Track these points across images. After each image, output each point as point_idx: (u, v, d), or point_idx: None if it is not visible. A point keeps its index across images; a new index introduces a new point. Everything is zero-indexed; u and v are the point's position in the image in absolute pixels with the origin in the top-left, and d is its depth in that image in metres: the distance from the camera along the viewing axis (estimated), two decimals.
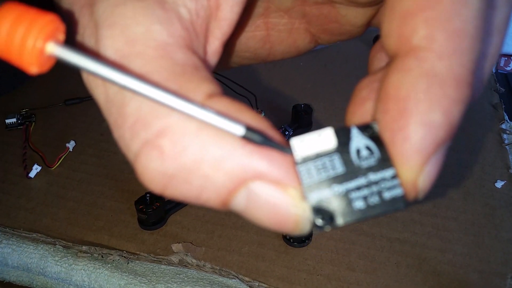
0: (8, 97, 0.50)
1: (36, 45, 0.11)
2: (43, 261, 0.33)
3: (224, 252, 0.34)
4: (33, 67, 0.11)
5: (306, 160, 0.12)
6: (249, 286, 0.32)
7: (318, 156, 0.12)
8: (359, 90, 0.14)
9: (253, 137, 0.11)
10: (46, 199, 0.39)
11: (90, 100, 0.50)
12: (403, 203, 0.12)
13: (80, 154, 0.43)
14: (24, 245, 0.34)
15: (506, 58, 0.54)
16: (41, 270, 0.34)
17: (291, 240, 0.34)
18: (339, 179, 0.12)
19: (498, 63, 0.54)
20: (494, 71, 0.54)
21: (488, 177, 0.40)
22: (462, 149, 0.43)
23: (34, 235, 0.35)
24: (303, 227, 0.12)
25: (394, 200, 0.12)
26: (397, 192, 0.12)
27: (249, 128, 0.11)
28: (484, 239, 0.35)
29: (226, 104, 0.12)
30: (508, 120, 0.46)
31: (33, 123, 0.46)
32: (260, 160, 0.11)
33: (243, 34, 0.20)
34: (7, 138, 0.45)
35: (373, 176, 0.12)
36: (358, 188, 0.12)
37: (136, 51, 0.12)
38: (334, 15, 0.18)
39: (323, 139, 0.12)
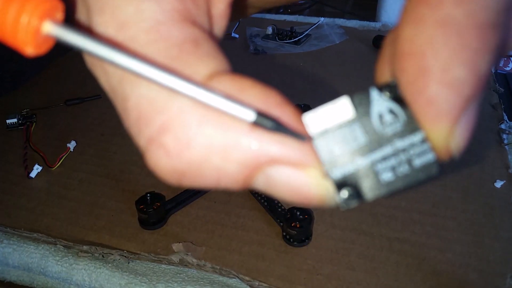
0: (9, 97, 0.50)
1: (31, 22, 0.10)
2: (44, 261, 0.34)
3: (224, 251, 0.34)
4: (29, 47, 0.10)
5: (323, 134, 0.11)
6: (249, 286, 0.32)
7: (337, 128, 0.11)
8: (386, 46, 0.13)
9: (265, 123, 0.10)
10: (47, 199, 0.39)
11: (91, 100, 0.50)
12: (437, 168, 0.11)
13: (81, 154, 0.43)
14: (25, 245, 0.35)
15: (505, 58, 0.54)
16: (42, 270, 0.34)
17: (291, 239, 0.34)
18: (363, 150, 0.11)
19: (497, 63, 0.54)
20: (493, 71, 0.54)
21: (488, 177, 0.40)
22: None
23: (35, 235, 0.35)
24: (329, 204, 0.11)
25: (426, 166, 0.11)
26: (429, 157, 0.11)
27: (260, 114, 0.10)
28: (483, 239, 0.35)
29: (231, 82, 0.11)
30: (507, 120, 0.47)
31: (34, 123, 0.46)
32: (272, 145, 0.11)
33: None
34: (8, 138, 0.45)
35: (400, 143, 0.11)
36: (385, 158, 0.11)
37: (128, 37, 0.11)
38: None
39: (339, 109, 0.11)
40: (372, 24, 0.68)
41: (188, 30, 0.11)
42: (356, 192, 0.11)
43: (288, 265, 0.33)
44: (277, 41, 0.64)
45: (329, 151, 0.11)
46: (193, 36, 0.11)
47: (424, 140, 0.11)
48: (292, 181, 0.11)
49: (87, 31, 0.12)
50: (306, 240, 0.34)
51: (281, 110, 0.11)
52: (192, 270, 0.33)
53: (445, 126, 0.10)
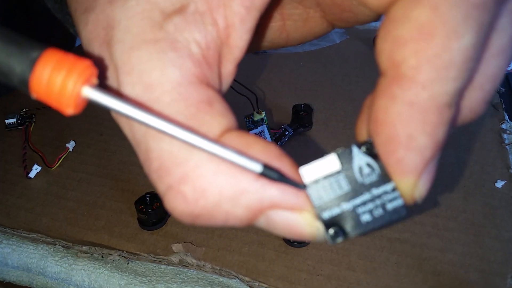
0: (8, 98, 0.50)
1: (75, 89, 0.12)
2: (43, 261, 0.33)
3: (224, 252, 0.34)
4: (70, 109, 0.12)
5: (315, 183, 0.14)
6: (249, 286, 0.32)
7: (326, 178, 0.14)
8: (364, 106, 0.15)
9: (270, 174, 0.13)
10: (46, 199, 0.39)
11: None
12: (405, 211, 0.13)
13: (80, 154, 0.43)
14: (24, 245, 0.34)
15: None
16: (41, 270, 0.34)
17: (291, 240, 0.34)
18: (346, 196, 0.14)
19: None
20: None
21: (488, 177, 0.40)
22: (462, 149, 0.43)
23: (34, 235, 0.35)
24: (319, 239, 0.14)
25: (396, 209, 0.13)
26: (398, 202, 0.13)
27: (266, 166, 0.13)
28: (484, 239, 0.35)
29: (239, 139, 0.13)
30: (508, 120, 0.46)
31: (33, 123, 0.46)
32: (273, 192, 0.13)
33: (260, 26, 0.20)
34: (7, 138, 0.45)
35: (375, 191, 0.14)
36: (364, 203, 0.14)
37: (153, 97, 0.13)
38: (347, 5, 0.18)
39: (328, 163, 0.14)
40: (373, 23, 0.68)
41: (203, 91, 0.13)
42: (341, 231, 0.14)
43: (288, 266, 0.33)
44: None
45: (320, 197, 0.14)
46: (207, 97, 0.13)
47: (394, 189, 0.13)
48: (289, 222, 0.13)
49: (115, 90, 0.14)
50: (307, 241, 0.34)
51: (281, 162, 0.13)
52: (192, 270, 0.33)
53: (410, 180, 0.13)
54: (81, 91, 0.12)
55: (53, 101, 0.12)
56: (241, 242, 0.34)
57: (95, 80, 0.12)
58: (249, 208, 0.13)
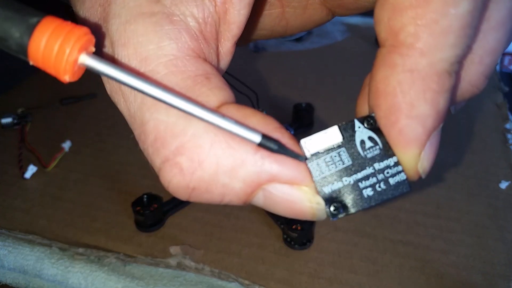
0: (4, 97, 0.50)
1: (72, 55, 0.12)
2: (39, 263, 0.33)
3: (223, 254, 0.33)
4: (67, 76, 0.12)
5: (316, 157, 0.13)
6: None
7: (327, 151, 0.13)
8: (365, 84, 0.15)
9: (269, 144, 0.12)
10: (42, 200, 0.38)
11: (87, 99, 0.49)
12: (408, 186, 0.13)
13: (76, 154, 0.43)
14: (20, 247, 0.34)
15: (510, 57, 0.53)
16: (37, 272, 0.33)
17: (292, 242, 0.33)
18: (348, 171, 0.13)
19: (502, 62, 0.53)
20: (498, 70, 0.53)
21: (492, 177, 0.40)
22: (466, 149, 0.43)
23: (30, 236, 0.35)
24: (320, 217, 0.13)
25: (399, 184, 0.13)
26: (401, 177, 0.13)
27: (265, 136, 0.12)
28: (487, 241, 0.34)
29: (236, 111, 0.13)
30: None
31: (29, 123, 0.46)
32: (272, 164, 0.12)
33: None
34: (3, 138, 0.45)
35: (378, 165, 0.13)
36: (366, 178, 0.13)
37: (149, 69, 0.13)
38: None
39: (329, 136, 0.13)
40: None
41: (200, 65, 0.13)
42: (343, 206, 0.13)
43: (289, 269, 0.32)
44: (277, 38, 0.63)
45: (320, 171, 0.13)
46: (205, 70, 0.13)
47: (397, 163, 0.13)
48: (288, 197, 0.13)
49: (112, 61, 0.13)
50: (308, 243, 0.34)
51: (281, 134, 0.13)
52: (190, 273, 0.32)
53: (412, 151, 0.13)
54: (78, 58, 0.12)
55: (51, 68, 0.12)
56: (241, 245, 0.34)
57: (92, 48, 0.12)
58: (246, 182, 0.12)
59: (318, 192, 0.13)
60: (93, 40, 0.12)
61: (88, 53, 0.12)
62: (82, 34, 0.12)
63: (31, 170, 0.40)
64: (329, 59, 0.58)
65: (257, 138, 0.12)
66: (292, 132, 0.44)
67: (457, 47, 0.12)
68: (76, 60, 0.12)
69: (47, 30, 0.11)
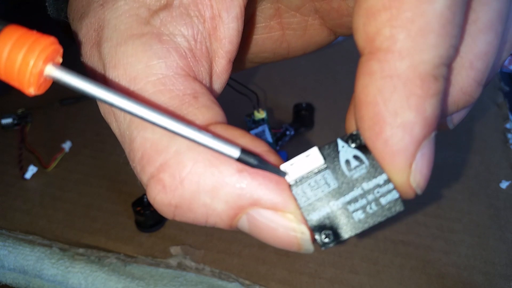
0: (4, 98, 0.50)
1: (36, 67, 0.11)
2: (40, 264, 0.33)
3: (223, 254, 0.33)
4: (32, 89, 0.11)
5: (299, 181, 0.12)
6: None
7: (310, 175, 0.12)
8: (352, 100, 0.14)
9: (248, 159, 0.12)
10: (42, 201, 0.38)
11: (86, 100, 0.49)
12: (402, 205, 0.12)
13: (76, 154, 0.43)
14: (21, 247, 0.34)
15: (510, 57, 0.53)
16: (37, 273, 0.33)
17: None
18: (335, 194, 0.12)
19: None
20: (498, 70, 0.53)
21: (493, 177, 0.40)
22: (466, 149, 0.43)
23: (31, 237, 0.35)
24: (307, 248, 0.12)
25: (392, 203, 0.12)
26: (393, 195, 0.12)
27: (244, 150, 0.12)
28: (488, 241, 0.34)
29: (225, 130, 0.13)
30: None
31: (29, 123, 0.46)
32: (255, 187, 0.12)
33: (259, 36, 0.20)
34: (3, 138, 0.45)
35: (366, 185, 0.12)
36: (355, 200, 0.12)
37: (138, 88, 0.13)
38: (345, 9, 0.17)
39: (311, 158, 0.13)
40: None
41: (190, 84, 0.13)
42: (333, 233, 0.12)
43: (290, 269, 0.32)
44: None
45: (306, 197, 0.12)
46: (193, 89, 0.13)
47: (387, 181, 0.12)
48: (271, 223, 0.12)
49: (103, 83, 0.13)
50: None
51: (267, 153, 0.12)
52: (191, 273, 0.32)
53: (402, 163, 0.12)
54: (43, 70, 0.11)
55: (14, 80, 0.11)
56: (241, 245, 0.34)
57: (59, 59, 0.12)
58: (229, 203, 0.12)
59: (305, 220, 0.12)
60: (61, 50, 0.12)
61: (55, 64, 0.11)
62: (48, 44, 0.11)
63: (31, 170, 0.40)
64: (329, 59, 0.58)
65: (236, 153, 0.12)
66: (293, 132, 0.44)
67: (440, 47, 0.11)
68: (41, 72, 0.11)
69: (10, 40, 0.11)
